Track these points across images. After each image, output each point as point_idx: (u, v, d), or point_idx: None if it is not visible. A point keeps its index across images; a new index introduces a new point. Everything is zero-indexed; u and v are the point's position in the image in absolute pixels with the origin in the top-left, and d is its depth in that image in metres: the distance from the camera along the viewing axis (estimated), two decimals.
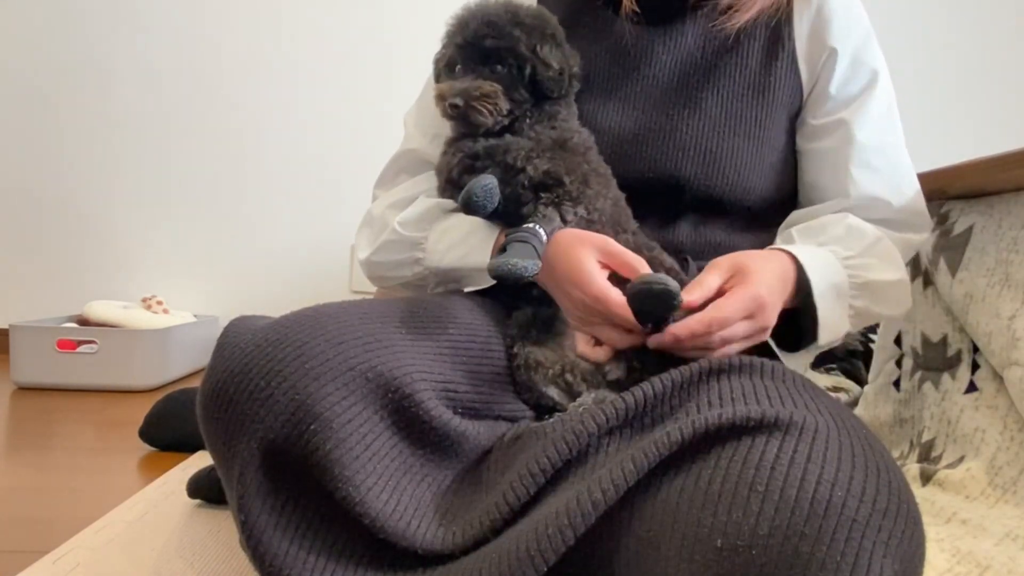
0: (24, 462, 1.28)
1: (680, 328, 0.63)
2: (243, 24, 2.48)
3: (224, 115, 2.49)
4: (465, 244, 0.77)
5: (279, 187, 2.50)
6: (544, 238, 0.68)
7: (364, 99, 2.46)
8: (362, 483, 0.54)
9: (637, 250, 0.70)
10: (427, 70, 0.92)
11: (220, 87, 2.48)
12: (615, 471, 0.48)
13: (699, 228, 0.82)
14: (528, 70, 0.74)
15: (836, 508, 0.41)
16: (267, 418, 0.54)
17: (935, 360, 1.05)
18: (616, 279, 0.67)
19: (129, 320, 2.05)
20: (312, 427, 0.53)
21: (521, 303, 0.75)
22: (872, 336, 1.40)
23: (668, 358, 0.65)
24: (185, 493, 1.05)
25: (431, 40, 0.85)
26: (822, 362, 1.58)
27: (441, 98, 0.74)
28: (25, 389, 1.93)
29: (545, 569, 0.47)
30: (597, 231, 0.72)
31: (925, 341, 1.08)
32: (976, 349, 0.99)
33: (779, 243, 0.81)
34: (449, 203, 0.81)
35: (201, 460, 1.23)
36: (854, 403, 1.29)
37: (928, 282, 1.09)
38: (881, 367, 1.20)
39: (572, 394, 0.67)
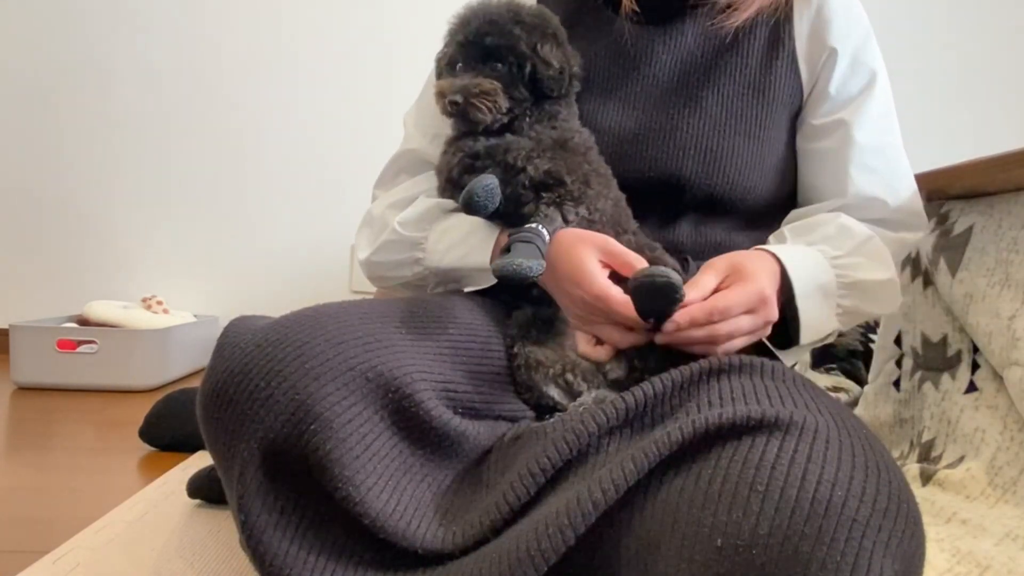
0: (24, 462, 1.28)
1: (680, 314, 0.62)
2: (243, 24, 2.48)
3: (224, 115, 2.49)
4: (465, 244, 0.77)
5: (279, 187, 2.50)
6: (547, 238, 0.68)
7: (364, 99, 2.46)
8: (362, 483, 0.54)
9: (639, 250, 0.70)
10: (427, 70, 0.92)
11: (220, 87, 2.49)
12: (615, 471, 0.48)
13: (699, 228, 0.82)
14: (528, 68, 0.74)
15: (836, 508, 0.41)
16: (267, 418, 0.54)
17: (935, 360, 1.05)
18: (617, 278, 0.67)
19: (129, 320, 2.05)
20: (312, 427, 0.53)
21: (521, 303, 0.75)
22: (872, 336, 1.41)
23: (669, 358, 0.65)
24: (185, 493, 1.05)
25: (431, 40, 0.85)
26: (822, 362, 1.58)
27: (441, 95, 0.74)
28: (25, 389, 1.93)
29: (545, 569, 0.47)
30: (598, 231, 0.72)
31: (925, 341, 1.08)
32: (976, 349, 0.99)
33: (771, 241, 0.81)
34: (449, 203, 0.81)
35: (201, 460, 1.23)
36: (854, 403, 1.29)
37: (928, 282, 1.09)
38: (881, 367, 1.20)
39: (572, 394, 0.68)
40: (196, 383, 0.75)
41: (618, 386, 0.66)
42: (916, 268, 1.12)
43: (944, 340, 1.04)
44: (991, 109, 2.40)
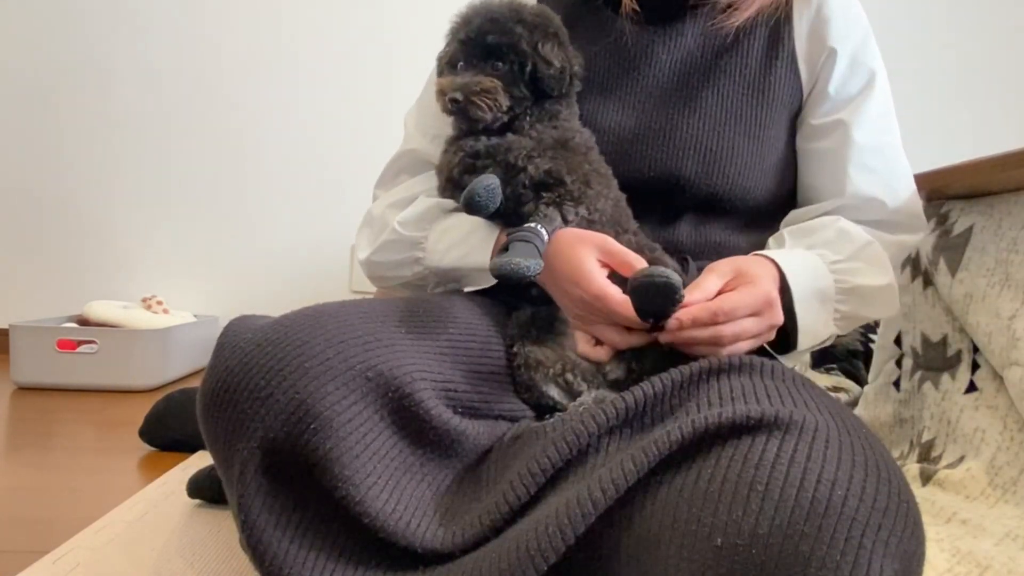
0: (24, 462, 1.28)
1: (683, 313, 0.62)
2: (243, 24, 2.48)
3: (224, 115, 2.49)
4: (465, 244, 0.77)
5: (279, 187, 2.50)
6: (546, 238, 0.68)
7: (364, 99, 2.46)
8: (362, 482, 0.54)
9: (639, 250, 0.70)
10: (427, 70, 0.92)
11: (220, 87, 2.49)
12: (615, 470, 0.48)
13: (699, 228, 0.82)
14: (529, 67, 0.74)
15: (836, 507, 0.41)
16: (267, 417, 0.54)
17: (935, 360, 1.05)
18: (616, 278, 0.67)
19: (129, 320, 2.05)
20: (312, 426, 0.53)
21: (521, 303, 0.75)
22: (872, 336, 1.41)
23: (667, 360, 0.65)
24: (185, 493, 1.05)
25: (431, 40, 0.85)
26: (822, 362, 1.58)
27: (441, 93, 0.74)
28: (25, 389, 1.93)
29: (545, 568, 0.47)
30: (598, 231, 0.72)
31: (925, 341, 1.08)
32: (976, 349, 0.99)
33: (771, 244, 0.81)
34: (449, 203, 0.81)
35: (201, 460, 1.23)
36: (854, 403, 1.29)
37: (928, 282, 1.09)
38: (881, 367, 1.20)
39: (572, 393, 0.67)
40: (196, 383, 0.75)
41: (618, 386, 0.66)
42: (916, 268, 1.12)
43: (944, 340, 1.04)
44: (991, 109, 2.40)
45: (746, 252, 0.83)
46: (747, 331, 0.64)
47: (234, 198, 2.51)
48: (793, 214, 0.84)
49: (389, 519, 0.54)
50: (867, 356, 1.41)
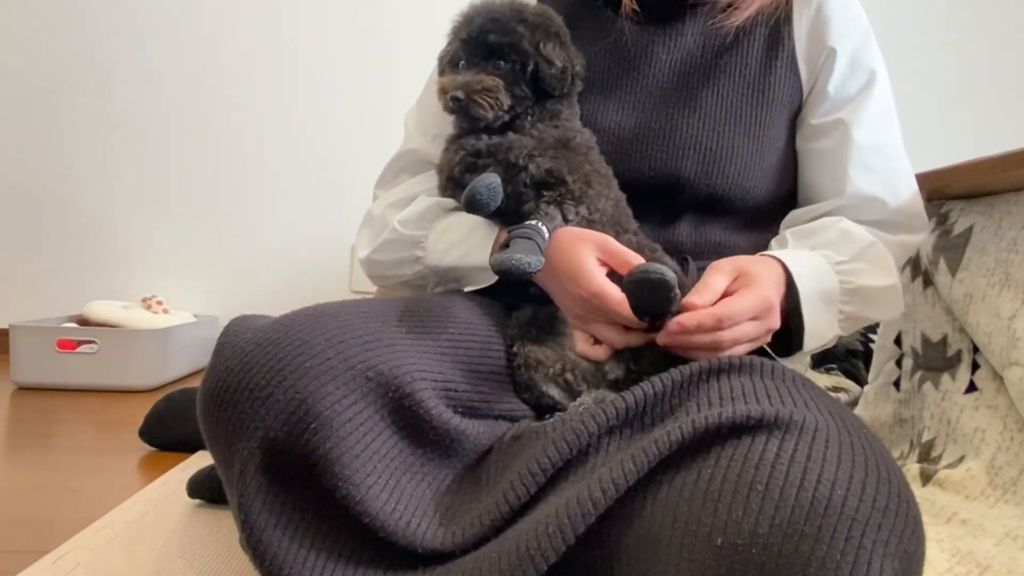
0: (24, 462, 1.28)
1: (688, 318, 0.62)
2: (243, 24, 2.48)
3: (224, 115, 2.49)
4: (465, 243, 0.77)
5: (279, 187, 2.50)
6: (547, 235, 0.68)
7: (364, 99, 2.46)
8: (362, 482, 0.54)
9: (638, 250, 0.70)
10: (427, 70, 0.92)
11: (220, 87, 2.49)
12: (615, 470, 0.48)
13: (699, 228, 0.82)
14: (531, 67, 0.74)
15: (836, 507, 0.41)
16: (267, 417, 0.54)
17: (935, 360, 1.05)
18: (615, 277, 0.67)
19: (129, 320, 2.05)
20: (312, 426, 0.53)
21: (521, 302, 0.75)
22: (872, 336, 1.41)
23: (667, 358, 0.65)
24: (185, 493, 1.05)
25: (431, 40, 0.85)
26: (822, 362, 1.58)
27: (443, 91, 0.74)
28: (25, 389, 1.93)
29: (545, 568, 0.47)
30: (598, 231, 0.72)
31: (925, 341, 1.08)
32: (976, 349, 0.99)
33: (773, 245, 0.80)
34: (449, 202, 0.81)
35: (201, 460, 1.23)
36: (854, 403, 1.29)
37: (928, 282, 1.09)
38: (881, 367, 1.20)
39: (572, 393, 0.67)
40: (196, 383, 0.75)
41: (617, 386, 0.66)
42: (916, 268, 1.12)
43: (944, 340, 1.04)
44: (991, 109, 2.41)
45: (746, 252, 0.83)
46: (746, 335, 0.64)
47: (234, 198, 2.51)
48: (793, 214, 0.84)
49: (389, 519, 0.54)
50: (867, 356, 1.41)
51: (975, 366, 0.99)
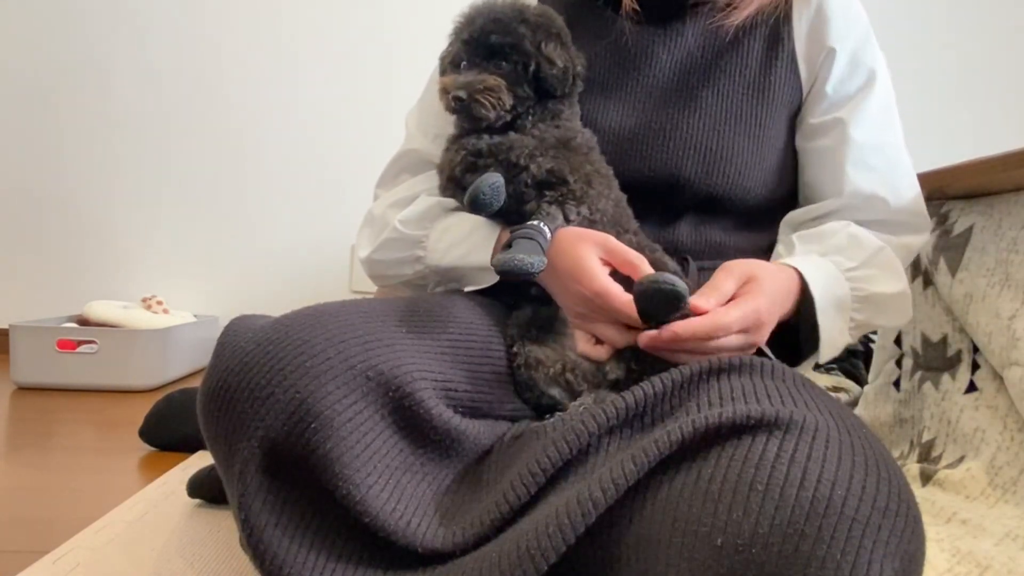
0: (24, 462, 1.28)
1: (683, 327, 0.61)
2: (243, 24, 2.48)
3: (224, 115, 2.49)
4: (466, 243, 0.77)
5: (279, 187, 2.50)
6: (549, 235, 0.68)
7: (364, 99, 2.46)
8: (362, 482, 0.54)
9: (639, 251, 0.70)
10: (428, 70, 0.92)
11: (220, 87, 2.49)
12: (615, 470, 0.48)
13: (699, 228, 0.82)
14: (532, 67, 0.74)
15: (836, 507, 0.40)
16: (267, 417, 0.54)
17: (935, 360, 1.05)
18: (617, 277, 0.67)
19: (129, 320, 2.05)
20: (313, 426, 0.53)
21: (521, 302, 0.75)
22: (872, 336, 1.41)
23: (666, 360, 0.65)
24: (185, 493, 1.05)
25: (431, 40, 0.85)
26: None
27: (445, 91, 0.74)
28: (25, 389, 1.93)
29: (545, 568, 0.47)
30: (599, 231, 0.72)
31: (925, 341, 1.08)
32: (976, 349, 0.99)
33: (781, 250, 0.80)
34: (450, 202, 0.81)
35: (201, 460, 1.23)
36: (854, 403, 1.29)
37: (928, 282, 1.09)
38: (881, 367, 1.20)
39: (573, 393, 0.67)
40: (196, 383, 0.75)
41: (617, 386, 0.66)
42: (916, 268, 1.12)
43: (944, 340, 1.04)
44: (991, 109, 2.41)
45: (746, 252, 0.83)
46: (728, 346, 0.63)
47: (234, 198, 2.51)
48: (793, 214, 0.84)
49: (389, 518, 0.54)
50: (867, 356, 1.41)
51: (975, 366, 0.99)
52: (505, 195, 0.71)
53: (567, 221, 0.72)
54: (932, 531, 0.82)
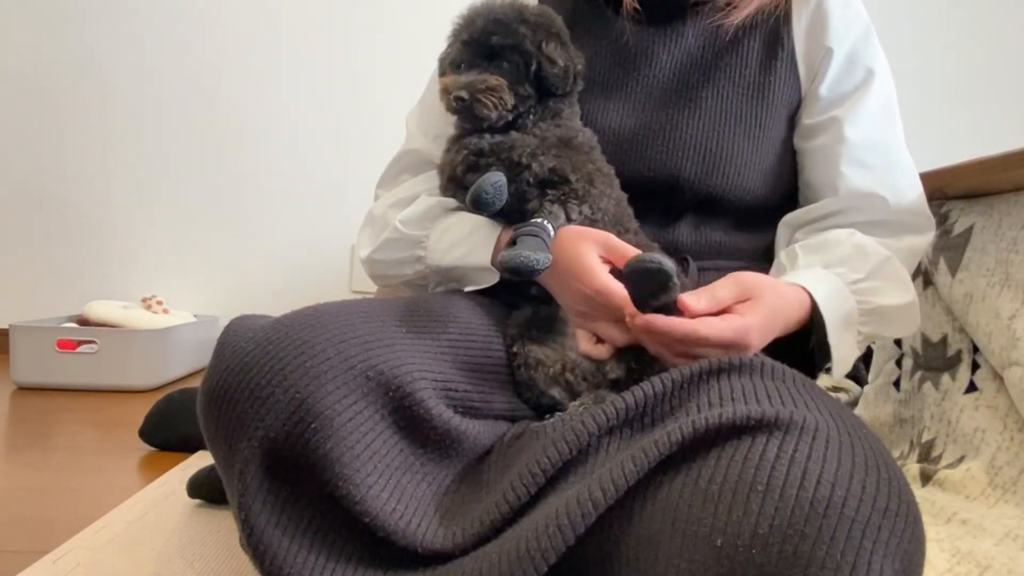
0: (24, 462, 1.28)
1: (662, 320, 0.60)
2: (243, 24, 2.48)
3: (224, 115, 2.49)
4: (466, 243, 0.77)
5: (279, 187, 2.50)
6: (552, 233, 0.68)
7: (365, 99, 2.46)
8: (362, 482, 0.54)
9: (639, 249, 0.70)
10: (429, 70, 0.92)
11: (220, 87, 2.49)
12: (615, 471, 0.48)
13: (699, 228, 0.82)
14: (533, 66, 0.74)
15: (836, 508, 0.40)
16: (267, 417, 0.54)
17: (935, 360, 1.05)
18: (618, 275, 0.67)
19: (129, 320, 2.05)
20: (313, 426, 0.53)
21: (522, 302, 0.75)
22: None
23: None
24: (185, 493, 1.05)
25: (432, 40, 0.85)
26: None
27: (446, 91, 0.74)
28: (25, 389, 1.93)
29: (545, 568, 0.47)
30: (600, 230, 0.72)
31: (925, 341, 1.08)
32: (976, 349, 0.99)
33: (782, 258, 0.79)
34: (451, 202, 0.81)
35: (201, 460, 1.23)
36: (854, 403, 1.29)
37: (928, 282, 1.09)
38: (881, 367, 1.20)
39: (573, 393, 0.67)
40: (196, 383, 0.75)
41: (618, 386, 0.66)
42: (916, 268, 1.11)
43: (944, 340, 1.04)
44: (991, 109, 2.41)
45: (746, 252, 0.83)
46: (706, 357, 0.60)
47: (234, 198, 2.51)
48: (791, 215, 0.84)
49: (389, 518, 0.54)
50: (867, 356, 1.41)
51: (975, 366, 0.99)
52: (507, 194, 0.71)
53: (569, 220, 0.72)
54: (932, 531, 0.82)
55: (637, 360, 0.68)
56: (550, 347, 0.70)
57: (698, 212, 0.82)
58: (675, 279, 0.59)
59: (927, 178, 0.97)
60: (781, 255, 0.80)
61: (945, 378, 1.02)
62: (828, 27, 0.82)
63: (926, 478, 0.96)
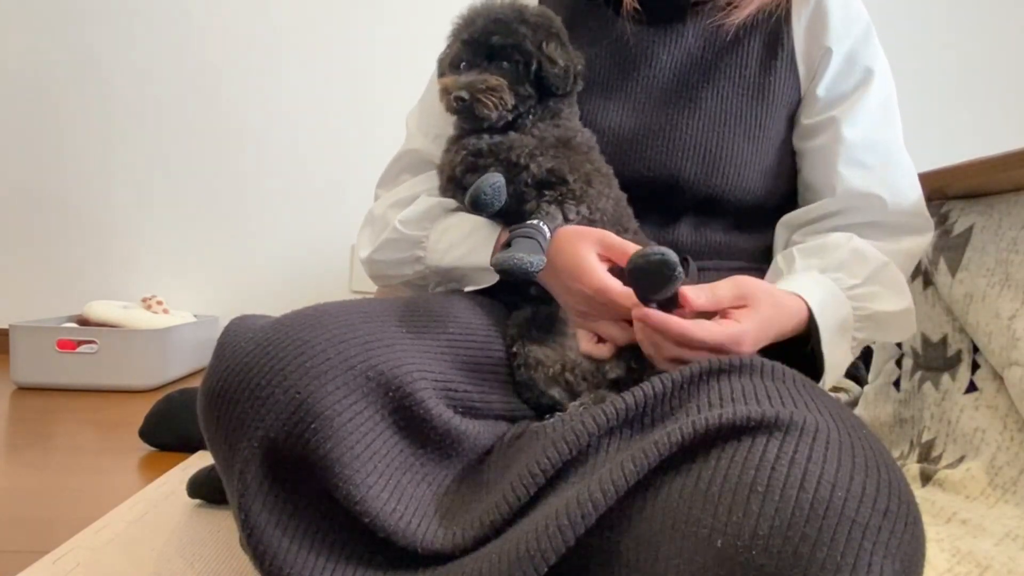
0: (24, 462, 1.29)
1: (658, 315, 0.60)
2: (243, 24, 2.48)
3: (224, 115, 2.49)
4: (466, 243, 0.77)
5: (279, 187, 2.50)
6: (548, 234, 0.68)
7: (365, 99, 2.46)
8: (362, 482, 0.54)
9: None
10: (429, 70, 0.92)
11: (220, 87, 2.49)
12: (615, 471, 0.48)
13: (699, 228, 0.82)
14: (534, 66, 0.74)
15: (836, 508, 0.40)
16: (268, 417, 0.54)
17: (935, 360, 1.05)
18: (617, 273, 0.67)
19: (129, 320, 2.05)
20: (313, 426, 0.53)
21: (521, 302, 0.75)
22: None
23: None
24: (185, 493, 1.05)
25: (433, 40, 0.85)
26: None
27: (446, 91, 0.74)
28: (25, 389, 1.93)
29: (545, 569, 0.47)
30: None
31: (925, 341, 1.08)
32: (976, 349, 0.99)
33: (780, 261, 0.79)
34: (450, 202, 0.81)
35: (201, 460, 1.23)
36: (854, 403, 1.29)
37: (928, 282, 1.09)
38: (881, 367, 1.20)
39: (573, 393, 0.68)
40: (196, 383, 0.75)
41: (618, 386, 0.66)
42: (916, 268, 1.12)
43: (944, 340, 1.04)
44: (991, 109, 2.41)
45: (746, 252, 0.83)
46: (695, 358, 0.60)
47: (234, 198, 2.51)
48: (790, 215, 0.84)
49: (389, 519, 0.54)
50: (867, 356, 1.41)
51: (975, 366, 0.99)
52: (506, 195, 0.71)
53: (566, 220, 0.72)
54: (932, 531, 0.82)
55: (637, 360, 0.68)
56: (550, 347, 0.70)
57: (698, 212, 0.82)
58: (679, 268, 0.59)
59: (927, 178, 0.97)
60: (778, 258, 0.80)
61: (945, 378, 1.02)
62: (828, 27, 0.82)
63: (926, 478, 0.96)
